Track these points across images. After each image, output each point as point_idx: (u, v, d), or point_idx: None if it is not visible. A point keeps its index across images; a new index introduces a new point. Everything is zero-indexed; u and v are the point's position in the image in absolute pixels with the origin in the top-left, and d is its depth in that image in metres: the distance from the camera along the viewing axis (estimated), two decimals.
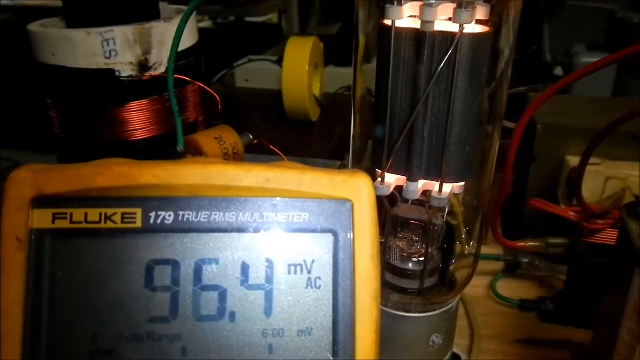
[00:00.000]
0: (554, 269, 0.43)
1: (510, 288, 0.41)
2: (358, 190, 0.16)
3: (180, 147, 0.31)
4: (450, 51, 0.24)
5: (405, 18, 0.25)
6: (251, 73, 0.96)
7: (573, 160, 0.41)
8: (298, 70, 0.76)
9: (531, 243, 0.39)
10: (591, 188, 0.40)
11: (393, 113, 0.26)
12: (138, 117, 0.36)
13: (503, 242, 0.38)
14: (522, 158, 0.45)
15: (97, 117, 0.35)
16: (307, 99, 0.76)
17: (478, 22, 0.25)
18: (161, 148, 0.37)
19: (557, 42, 0.97)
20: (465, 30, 0.24)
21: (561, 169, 0.42)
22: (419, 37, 0.24)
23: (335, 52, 0.95)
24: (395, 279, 0.28)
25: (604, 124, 0.36)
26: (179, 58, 0.35)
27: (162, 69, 0.36)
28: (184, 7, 0.41)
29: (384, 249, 0.28)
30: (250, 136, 0.38)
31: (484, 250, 0.41)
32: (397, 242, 0.29)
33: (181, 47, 0.37)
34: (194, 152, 0.34)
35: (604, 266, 0.35)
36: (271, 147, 0.38)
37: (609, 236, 0.40)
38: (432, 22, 0.24)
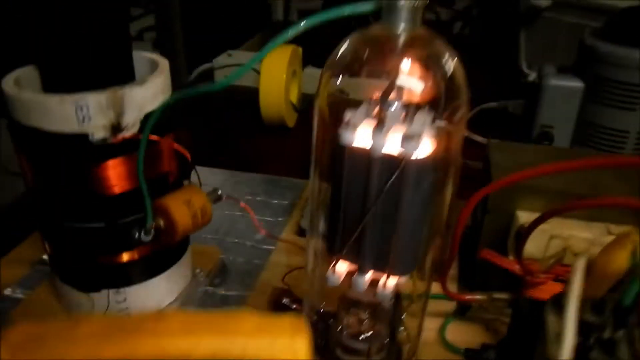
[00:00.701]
0: (502, 312, 0.46)
1: (460, 332, 0.44)
2: (295, 354, 0.19)
3: (149, 223, 0.34)
4: (397, 173, 0.26)
5: (359, 138, 0.27)
6: (230, 69, 0.97)
7: (523, 216, 0.44)
8: (275, 81, 0.77)
9: (478, 297, 0.42)
10: (536, 244, 0.43)
11: (346, 216, 0.28)
12: (113, 175, 0.38)
13: (451, 295, 0.41)
14: (479, 207, 0.47)
15: (70, 175, 0.37)
16: (284, 108, 0.78)
17: (427, 143, 0.27)
18: (138, 199, 0.38)
19: (532, 53, 0.99)
20: (412, 157, 0.26)
21: (512, 222, 0.45)
22: (370, 157, 0.27)
23: (315, 50, 0.95)
24: (343, 356, 0.31)
25: (558, 185, 0.39)
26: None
27: (134, 129, 0.37)
28: (157, 58, 0.42)
29: (334, 326, 0.31)
30: (220, 192, 0.40)
31: (438, 289, 0.43)
32: (346, 320, 0.32)
33: (154, 106, 0.38)
34: (165, 217, 0.36)
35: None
36: (242, 204, 0.40)
37: (552, 289, 0.43)
38: (381, 145, 0.26)
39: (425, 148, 0.26)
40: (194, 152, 0.41)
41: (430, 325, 0.45)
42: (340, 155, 0.27)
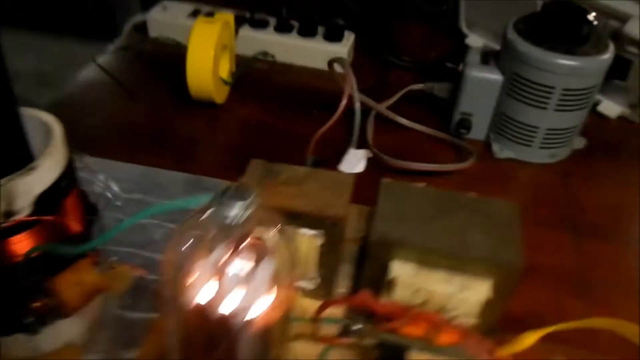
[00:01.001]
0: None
1: (341, 357, 0.50)
2: None
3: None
4: (234, 332, 0.31)
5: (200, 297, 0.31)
6: (165, 25, 0.94)
7: (396, 267, 0.49)
8: (203, 59, 0.76)
9: (348, 340, 0.48)
10: (405, 294, 0.49)
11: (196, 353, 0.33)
12: (11, 249, 0.41)
13: (322, 340, 0.48)
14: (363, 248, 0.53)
15: None
16: (212, 86, 0.78)
17: (264, 301, 0.31)
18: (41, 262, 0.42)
19: (473, 15, 0.98)
20: (248, 317, 0.30)
21: (387, 271, 0.50)
22: (210, 315, 0.31)
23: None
24: None
25: (427, 241, 0.47)
26: (42, 201, 0.40)
27: (27, 212, 0.40)
28: (51, 122, 0.43)
29: None
30: (112, 260, 0.44)
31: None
32: None
33: (46, 185, 0.41)
34: (56, 298, 0.40)
35: None
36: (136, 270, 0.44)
37: (415, 330, 0.50)
38: (219, 306, 0.30)
39: (262, 306, 0.31)
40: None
41: (314, 351, 0.51)
42: (186, 311, 0.31)
